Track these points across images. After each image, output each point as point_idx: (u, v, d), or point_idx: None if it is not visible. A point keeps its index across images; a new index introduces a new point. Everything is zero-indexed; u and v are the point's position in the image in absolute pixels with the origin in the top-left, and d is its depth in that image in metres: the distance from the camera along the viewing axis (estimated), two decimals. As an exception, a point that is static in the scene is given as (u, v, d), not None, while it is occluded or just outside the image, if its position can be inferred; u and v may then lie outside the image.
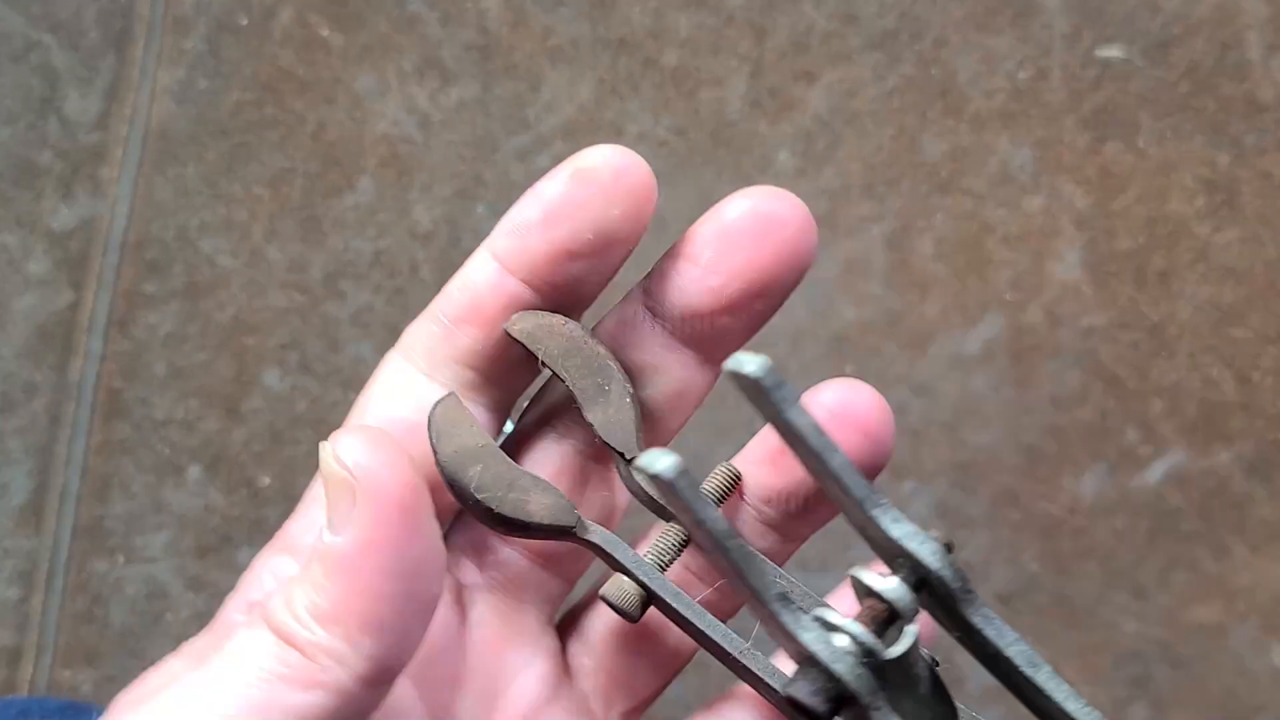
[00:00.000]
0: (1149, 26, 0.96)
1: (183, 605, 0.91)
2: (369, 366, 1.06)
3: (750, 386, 0.26)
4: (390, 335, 1.06)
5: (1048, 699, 0.30)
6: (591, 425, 0.31)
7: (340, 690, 0.27)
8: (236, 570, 1.01)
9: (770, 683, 0.31)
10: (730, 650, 0.31)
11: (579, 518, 0.30)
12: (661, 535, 0.32)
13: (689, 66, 1.00)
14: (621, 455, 0.31)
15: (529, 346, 0.31)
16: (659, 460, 0.24)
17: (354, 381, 0.94)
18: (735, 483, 0.33)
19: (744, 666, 0.31)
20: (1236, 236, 0.91)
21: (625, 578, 0.31)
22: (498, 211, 1.10)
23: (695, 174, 0.96)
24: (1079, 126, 0.95)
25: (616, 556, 0.31)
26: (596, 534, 0.31)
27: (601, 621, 0.34)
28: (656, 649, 0.34)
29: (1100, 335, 0.90)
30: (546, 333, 0.31)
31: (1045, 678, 0.29)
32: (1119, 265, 0.92)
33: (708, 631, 0.31)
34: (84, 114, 1.03)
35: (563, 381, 0.31)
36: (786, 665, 0.31)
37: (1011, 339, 0.91)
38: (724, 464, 0.33)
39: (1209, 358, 0.89)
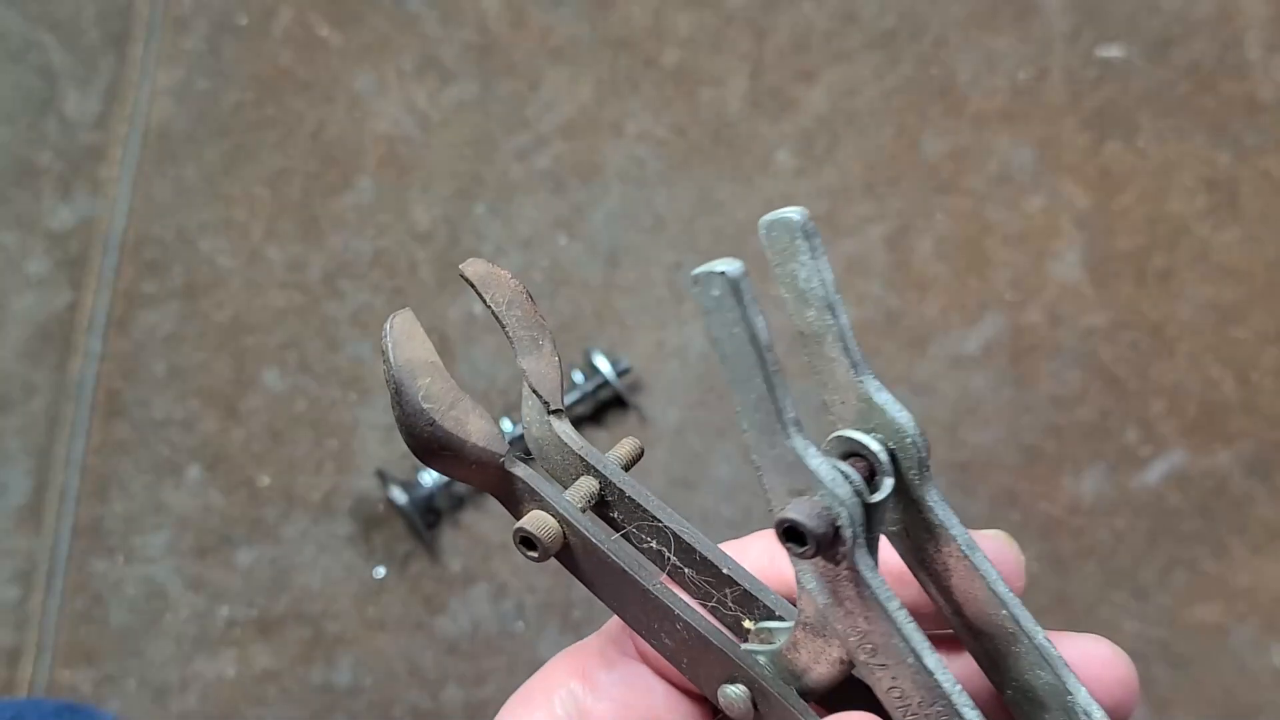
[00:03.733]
0: (1149, 26, 0.96)
1: (182, 605, 0.91)
2: (368, 366, 1.06)
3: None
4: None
5: (981, 579, 0.31)
6: (524, 371, 0.32)
7: None
8: (236, 570, 1.01)
9: (685, 617, 0.31)
10: (645, 584, 0.31)
11: (510, 450, 0.31)
12: (580, 483, 0.33)
13: (689, 66, 1.00)
14: (546, 405, 0.33)
15: (478, 289, 0.32)
16: (725, 263, 0.26)
17: (353, 381, 0.94)
18: (639, 456, 0.34)
19: (658, 600, 0.31)
20: (1237, 236, 0.91)
21: (546, 514, 0.32)
22: (496, 211, 1.10)
23: (695, 173, 0.96)
24: (1079, 126, 0.95)
25: (540, 492, 0.31)
26: (521, 469, 0.32)
27: None
28: None
29: (1100, 335, 0.90)
30: (495, 281, 0.32)
31: (980, 560, 0.31)
32: (1119, 265, 0.92)
33: (623, 564, 0.31)
34: (83, 114, 1.03)
35: (502, 327, 0.33)
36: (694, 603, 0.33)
37: (1011, 339, 0.91)
38: (630, 439, 0.34)
39: (1209, 358, 0.89)
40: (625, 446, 0.34)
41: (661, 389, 0.91)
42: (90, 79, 1.04)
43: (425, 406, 0.30)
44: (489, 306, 0.32)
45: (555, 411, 0.32)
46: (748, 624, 0.33)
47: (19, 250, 1.00)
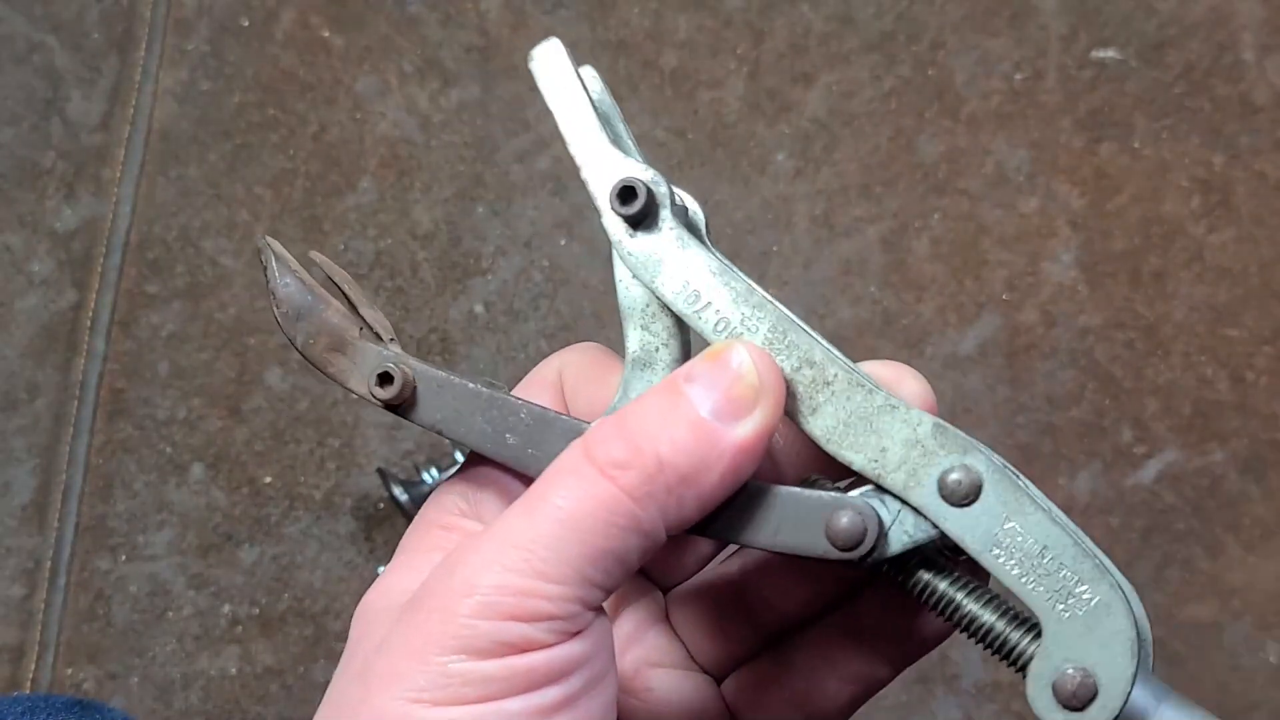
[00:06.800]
0: (1145, 28, 0.97)
1: (184, 603, 0.92)
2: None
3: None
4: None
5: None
6: (365, 318, 0.41)
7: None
8: (238, 568, 1.01)
9: (526, 404, 0.37)
10: (490, 390, 0.38)
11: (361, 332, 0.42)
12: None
13: (687, 68, 1.00)
14: (380, 337, 0.41)
15: (328, 272, 0.42)
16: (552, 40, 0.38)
17: (355, 381, 0.95)
18: None
19: (503, 399, 0.38)
20: (1231, 237, 0.92)
21: (400, 365, 0.39)
22: (497, 211, 1.10)
23: (693, 175, 0.97)
24: (1075, 128, 0.95)
25: (393, 356, 0.40)
26: (376, 346, 0.41)
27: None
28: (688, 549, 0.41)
29: (1095, 335, 0.91)
30: (332, 267, 0.43)
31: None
32: (1114, 265, 0.92)
33: (470, 382, 0.38)
34: (87, 115, 1.04)
35: (344, 294, 0.41)
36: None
37: (1007, 339, 0.91)
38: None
39: (1203, 357, 0.90)
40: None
41: (660, 388, 0.92)
42: (94, 81, 1.04)
43: (293, 287, 0.40)
44: (335, 282, 0.41)
45: (391, 340, 0.42)
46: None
47: (24, 251, 1.01)
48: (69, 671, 0.91)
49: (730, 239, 0.93)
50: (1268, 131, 0.94)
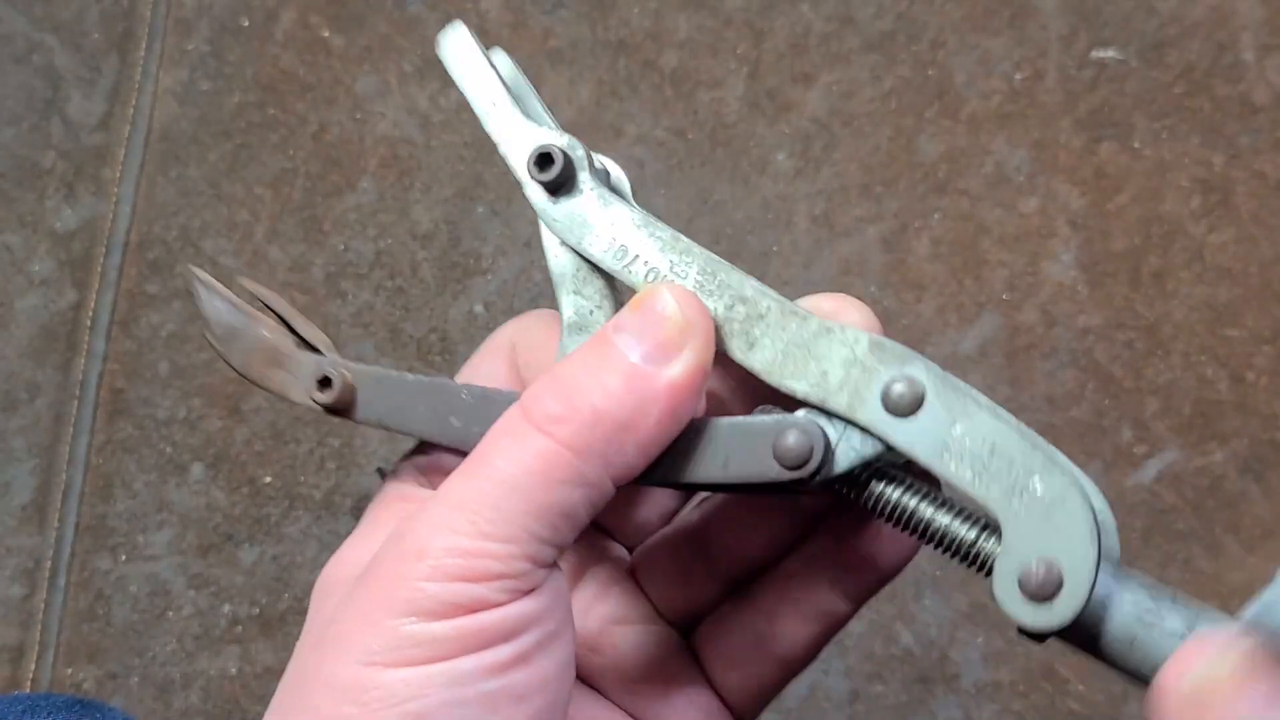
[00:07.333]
0: (1145, 28, 0.97)
1: (184, 603, 0.92)
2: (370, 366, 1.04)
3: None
4: (391, 335, 1.07)
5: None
6: (301, 336, 0.41)
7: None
8: (238, 568, 1.01)
9: (465, 386, 0.37)
10: (429, 377, 0.39)
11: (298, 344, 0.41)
12: None
13: (687, 68, 1.00)
14: (317, 350, 0.41)
15: (260, 296, 0.41)
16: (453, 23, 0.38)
17: (355, 381, 0.95)
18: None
19: (443, 384, 0.38)
20: (1231, 237, 0.92)
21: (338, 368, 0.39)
22: (497, 211, 1.10)
23: (693, 175, 0.97)
24: (1075, 127, 0.95)
25: (331, 359, 0.40)
26: (308, 352, 0.41)
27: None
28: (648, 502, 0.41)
29: (1095, 335, 0.91)
30: (264, 291, 0.42)
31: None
32: (1114, 265, 0.92)
33: (410, 374, 0.39)
34: (87, 115, 1.04)
35: (278, 315, 0.41)
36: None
37: (1007, 338, 0.91)
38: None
39: (1204, 357, 0.90)
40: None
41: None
42: (93, 81, 1.04)
43: (222, 309, 0.41)
44: (270, 307, 0.42)
45: (330, 350, 0.42)
46: None
47: (23, 251, 1.01)
48: (69, 671, 0.91)
49: (730, 239, 0.93)
50: (1268, 131, 0.94)
